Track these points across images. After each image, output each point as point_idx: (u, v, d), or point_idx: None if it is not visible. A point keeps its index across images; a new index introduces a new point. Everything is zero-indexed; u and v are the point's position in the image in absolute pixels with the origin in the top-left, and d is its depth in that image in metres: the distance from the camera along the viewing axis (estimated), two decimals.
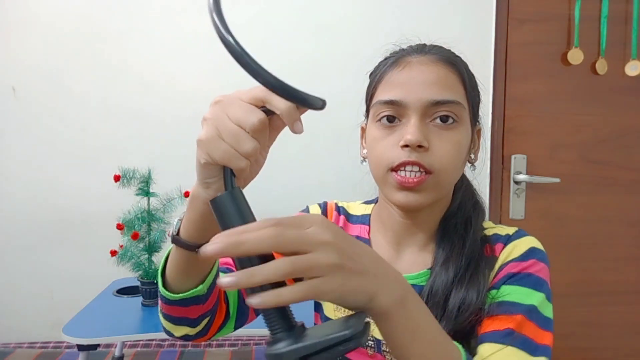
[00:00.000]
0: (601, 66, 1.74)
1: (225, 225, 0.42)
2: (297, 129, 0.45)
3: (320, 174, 1.96)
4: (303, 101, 0.41)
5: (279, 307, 0.39)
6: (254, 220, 0.42)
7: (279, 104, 0.43)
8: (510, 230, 0.68)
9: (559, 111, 1.76)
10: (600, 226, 1.79)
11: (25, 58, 1.88)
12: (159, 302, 0.62)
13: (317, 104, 0.42)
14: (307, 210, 0.80)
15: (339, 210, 0.80)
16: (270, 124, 0.46)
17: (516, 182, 1.74)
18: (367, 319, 0.41)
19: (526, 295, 0.59)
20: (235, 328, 0.70)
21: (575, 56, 1.72)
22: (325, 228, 0.39)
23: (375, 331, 0.68)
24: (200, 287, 0.58)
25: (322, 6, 1.94)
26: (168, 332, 0.65)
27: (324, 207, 0.80)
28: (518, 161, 1.75)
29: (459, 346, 0.50)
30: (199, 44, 1.88)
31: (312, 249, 0.38)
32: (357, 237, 0.74)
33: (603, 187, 1.79)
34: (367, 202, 0.81)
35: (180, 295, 0.58)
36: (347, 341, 0.38)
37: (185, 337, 0.65)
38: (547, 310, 0.60)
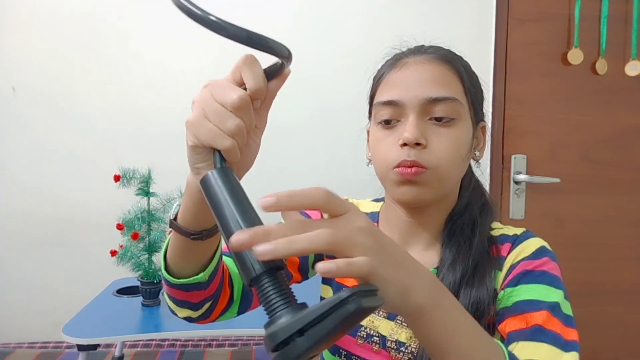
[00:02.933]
0: (601, 66, 1.73)
1: (214, 203, 0.41)
2: (255, 106, 0.46)
3: (320, 174, 1.96)
4: (270, 49, 0.42)
5: (279, 285, 0.37)
6: (246, 199, 0.41)
7: (248, 78, 0.44)
8: (518, 230, 0.68)
9: (559, 111, 1.76)
10: (600, 226, 1.79)
11: (25, 58, 1.88)
12: (163, 282, 0.62)
13: (284, 53, 0.43)
14: None
15: None
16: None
17: (516, 182, 1.74)
18: (373, 288, 0.38)
19: (546, 292, 0.59)
20: (239, 313, 0.71)
21: (575, 56, 1.72)
22: (360, 216, 0.40)
23: (380, 327, 0.68)
24: (201, 275, 0.58)
25: (323, 7, 1.94)
26: (172, 311, 0.66)
27: None
28: (518, 161, 1.75)
29: (500, 344, 0.48)
30: (199, 43, 1.89)
31: (352, 235, 0.38)
32: None
33: (603, 187, 1.79)
34: (376, 200, 0.82)
35: (181, 280, 0.59)
36: (342, 305, 0.33)
37: (188, 319, 0.66)
38: (567, 308, 0.60)
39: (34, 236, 1.92)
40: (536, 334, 0.56)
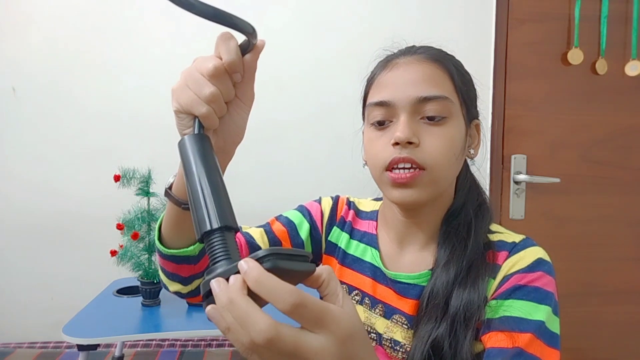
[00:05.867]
0: (601, 66, 1.73)
1: (185, 165, 0.44)
2: (235, 79, 0.49)
3: (320, 174, 1.95)
4: (234, 25, 0.45)
5: (224, 241, 0.39)
6: (214, 163, 0.44)
7: (222, 52, 0.47)
8: (517, 238, 0.67)
9: (559, 111, 1.76)
10: (600, 226, 1.79)
11: (25, 58, 1.88)
12: (156, 254, 0.65)
13: (248, 29, 0.46)
14: (319, 201, 0.82)
15: (350, 205, 0.82)
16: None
17: (516, 182, 1.74)
18: (304, 254, 0.38)
19: (534, 310, 0.59)
20: None
21: (575, 56, 1.72)
22: (336, 347, 0.36)
23: (376, 324, 0.69)
24: (192, 248, 0.61)
25: (323, 7, 1.94)
26: (164, 285, 0.68)
27: (335, 201, 0.82)
28: (518, 161, 1.75)
29: None
30: (198, 44, 1.88)
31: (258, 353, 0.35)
32: (365, 233, 0.77)
33: (603, 187, 1.79)
34: (377, 199, 0.83)
35: (172, 251, 0.61)
36: (259, 262, 0.35)
37: (178, 294, 0.68)
38: (554, 325, 0.59)
39: (34, 236, 1.92)
40: (516, 358, 0.55)
